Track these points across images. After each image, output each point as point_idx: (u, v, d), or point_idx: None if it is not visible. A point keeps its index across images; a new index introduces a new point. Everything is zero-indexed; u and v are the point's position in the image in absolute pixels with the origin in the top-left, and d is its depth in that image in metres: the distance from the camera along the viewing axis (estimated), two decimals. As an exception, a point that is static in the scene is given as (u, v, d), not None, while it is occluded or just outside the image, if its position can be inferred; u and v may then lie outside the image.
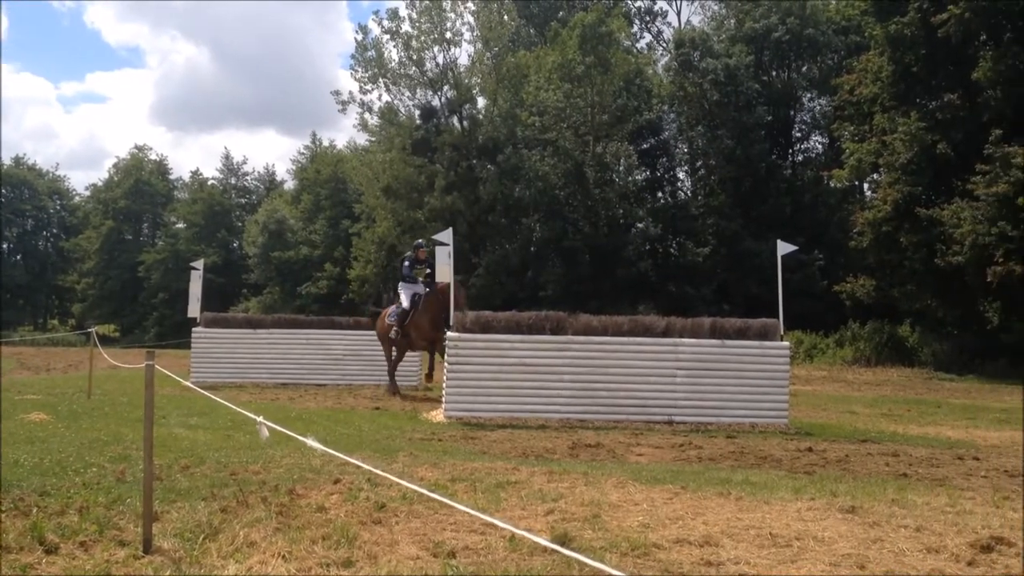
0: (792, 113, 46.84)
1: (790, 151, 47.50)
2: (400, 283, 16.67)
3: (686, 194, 49.53)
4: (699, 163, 48.35)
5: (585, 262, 42.92)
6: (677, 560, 4.73)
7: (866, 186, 41.47)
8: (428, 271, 16.18)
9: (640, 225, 44.98)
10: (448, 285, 14.07)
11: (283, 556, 4.70)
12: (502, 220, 45.42)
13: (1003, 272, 25.74)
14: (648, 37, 55.92)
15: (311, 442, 4.74)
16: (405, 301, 16.21)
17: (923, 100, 32.00)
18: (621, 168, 45.21)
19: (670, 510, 6.00)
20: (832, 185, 40.29)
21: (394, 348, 17.17)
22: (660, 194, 49.44)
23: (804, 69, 46.07)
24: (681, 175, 50.46)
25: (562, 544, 4.85)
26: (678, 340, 12.51)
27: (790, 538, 5.20)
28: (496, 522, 4.33)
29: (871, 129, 33.63)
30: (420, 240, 17.48)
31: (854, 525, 5.62)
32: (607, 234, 43.05)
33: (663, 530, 5.39)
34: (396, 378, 17.35)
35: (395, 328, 16.20)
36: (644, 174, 47.93)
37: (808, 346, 33.44)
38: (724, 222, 42.20)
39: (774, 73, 46.25)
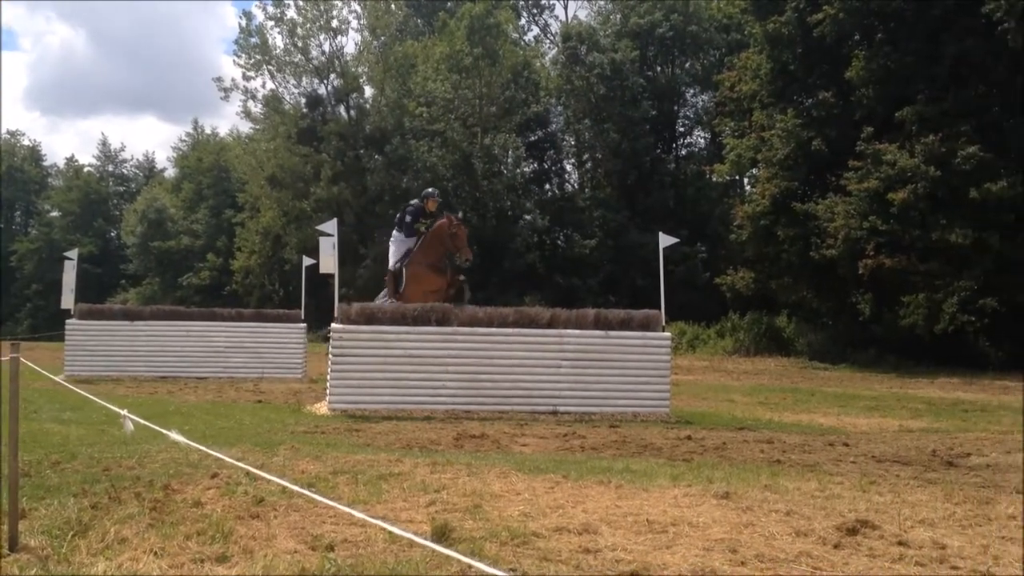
0: (676, 108, 47.79)
1: (674, 145, 48.44)
2: (394, 234, 14.15)
3: (573, 186, 50.09)
4: (586, 156, 48.95)
5: (473, 253, 42.89)
6: (556, 548, 4.77)
7: (746, 181, 42.60)
8: (430, 224, 13.94)
9: (528, 217, 45.28)
10: (448, 222, 13.25)
11: (155, 552, 4.58)
12: (390, 211, 45.04)
13: (874, 265, 26.79)
14: (536, 30, 56.35)
15: (174, 435, 4.62)
16: (394, 257, 13.98)
17: (799, 97, 33.00)
18: (509, 160, 45.43)
19: (551, 499, 6.05)
20: (714, 179, 41.29)
21: None
22: (548, 186, 49.87)
23: (687, 65, 47.01)
24: (568, 167, 51.05)
25: (442, 535, 4.86)
26: (563, 331, 12.62)
27: (666, 524, 5.29)
28: (363, 516, 4.30)
29: (750, 125, 34.55)
30: (431, 188, 14.97)
31: (728, 510, 5.75)
32: (495, 226, 43.21)
33: (543, 519, 5.43)
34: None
35: (385, 299, 13.89)
36: (532, 166, 48.30)
37: (691, 337, 34.21)
38: (610, 214, 42.80)
39: (659, 69, 47.10)
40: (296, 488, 4.60)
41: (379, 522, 4.40)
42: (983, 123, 27.38)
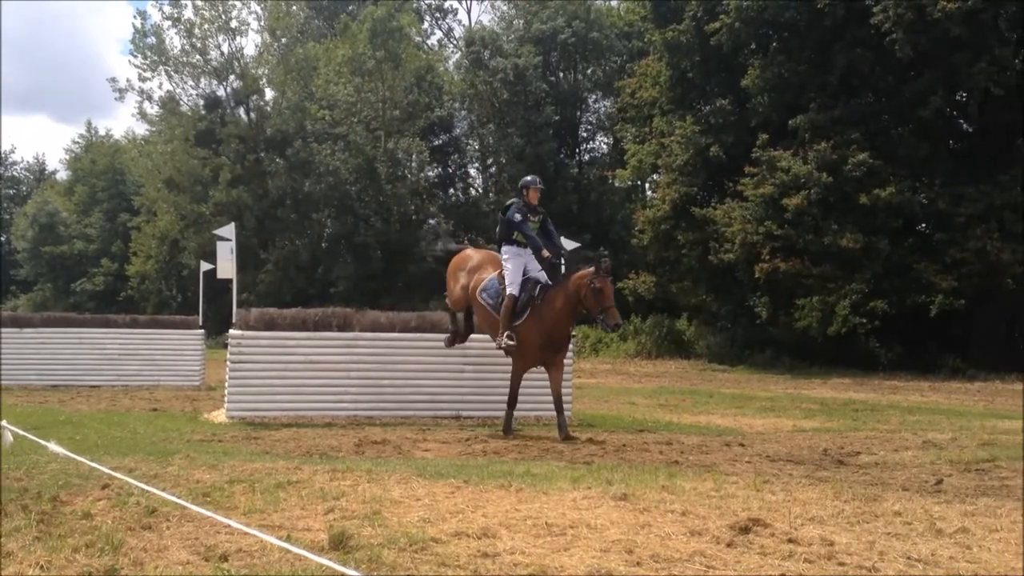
0: (578, 114, 48.23)
1: (577, 151, 48.86)
2: (504, 248, 10.95)
3: (477, 191, 50.17)
4: (490, 160, 49.10)
5: (377, 258, 42.75)
6: (455, 553, 4.76)
7: (647, 186, 43.23)
8: (540, 219, 11.19)
9: (432, 221, 45.18)
10: (592, 273, 10.39)
11: (41, 566, 4.43)
12: (292, 215, 44.59)
13: (769, 269, 27.48)
14: (439, 34, 56.31)
15: (53, 447, 4.48)
16: (512, 276, 10.72)
17: (698, 104, 33.69)
18: (413, 164, 45.31)
19: (451, 504, 6.05)
20: (616, 184, 41.75)
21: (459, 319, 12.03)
22: (452, 191, 49.91)
23: (589, 71, 47.49)
24: (473, 172, 51.12)
25: (339, 543, 4.81)
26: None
27: (565, 526, 5.33)
28: (239, 526, 4.23)
29: (651, 131, 35.07)
30: (530, 177, 11.73)
31: (625, 512, 5.82)
32: (399, 230, 43.04)
33: (443, 524, 5.42)
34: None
35: (507, 336, 10.60)
36: (436, 170, 48.24)
37: (594, 340, 34.56)
38: (514, 219, 42.89)
39: (561, 74, 47.48)
40: (173, 498, 4.49)
41: (255, 532, 4.33)
42: (872, 131, 28.31)
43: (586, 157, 49.09)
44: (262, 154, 45.72)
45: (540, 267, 10.75)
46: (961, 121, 31.13)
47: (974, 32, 25.61)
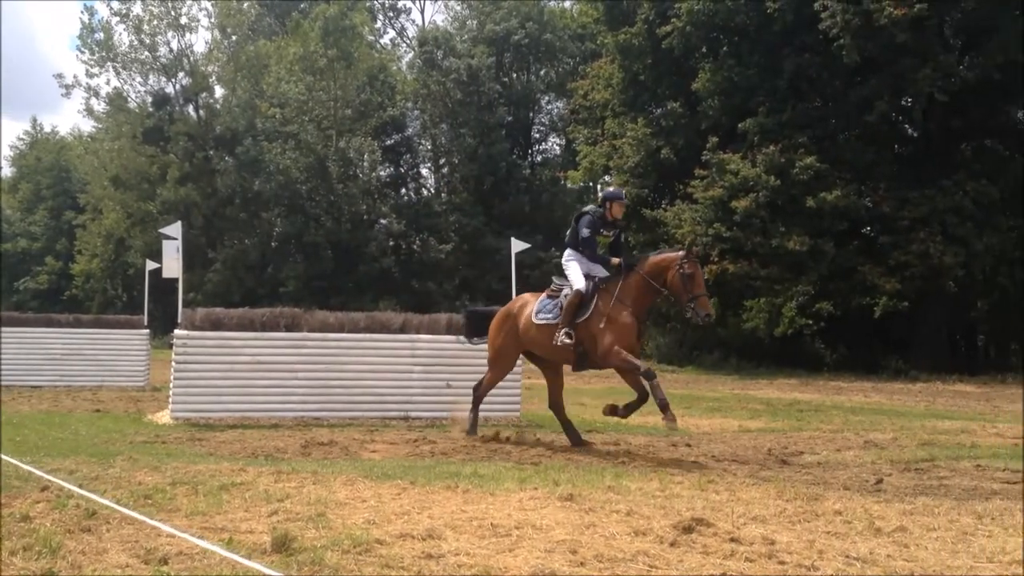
0: (531, 115, 48.37)
1: (530, 151, 49.00)
2: (567, 253, 10.11)
3: (429, 191, 50.10)
4: (442, 161, 49.04)
5: (327, 258, 42.49)
6: (399, 555, 4.75)
7: (599, 187, 43.41)
8: (614, 235, 10.36)
9: (384, 221, 45.05)
10: (683, 257, 9.33)
11: (-25, 571, 4.36)
12: (241, 214, 44.17)
13: (718, 270, 27.75)
14: (392, 33, 56.11)
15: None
16: (577, 276, 9.85)
17: (649, 107, 33.97)
18: (365, 164, 45.12)
19: (397, 505, 6.03)
20: (568, 185, 41.92)
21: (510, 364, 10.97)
22: (404, 190, 49.75)
23: (543, 73, 47.67)
24: (425, 172, 51.06)
25: (282, 545, 4.78)
26: (415, 336, 12.59)
27: (510, 527, 5.33)
28: (176, 532, 4.19)
29: (603, 133, 35.29)
30: (615, 189, 11.00)
31: (571, 512, 5.84)
32: (350, 230, 42.83)
33: (388, 525, 5.40)
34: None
35: (564, 332, 9.58)
36: (388, 170, 48.09)
37: (545, 341, 34.60)
38: (466, 219, 42.99)
39: (514, 75, 47.56)
40: (106, 502, 4.44)
41: (186, 535, 4.29)
42: (820, 135, 28.74)
43: (539, 158, 49.27)
44: (211, 152, 45.26)
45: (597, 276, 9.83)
46: (906, 126, 31.71)
47: (920, 39, 26.08)
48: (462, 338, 11.64)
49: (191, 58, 47.60)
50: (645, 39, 32.16)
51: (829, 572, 4.65)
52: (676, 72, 32.42)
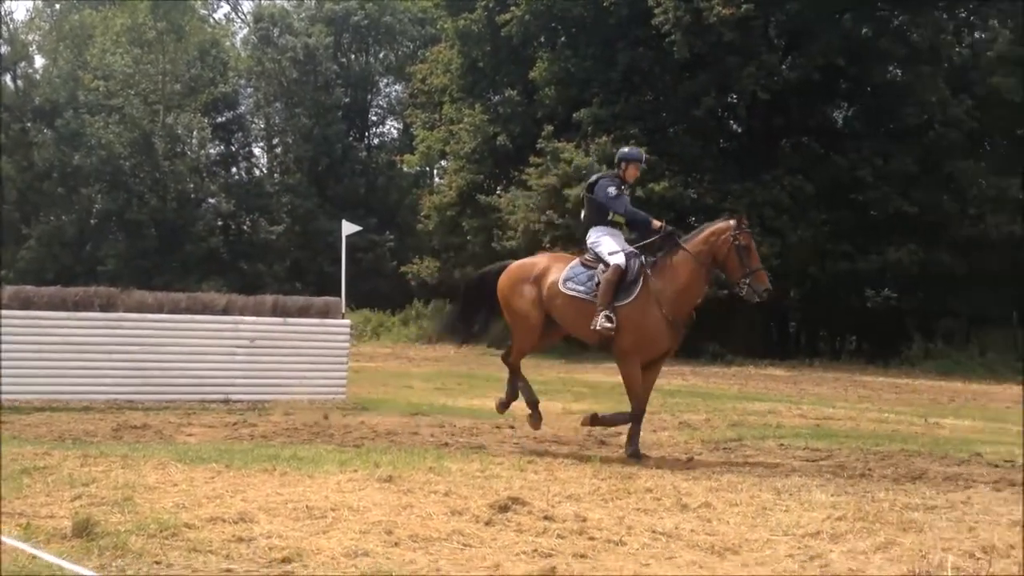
0: (369, 97, 47.87)
1: (367, 134, 48.52)
2: (594, 230, 8.88)
3: (262, 171, 48.97)
4: (276, 140, 48.06)
5: (151, 236, 40.97)
6: (207, 538, 4.65)
7: (435, 172, 43.45)
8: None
9: (212, 200, 43.79)
10: (734, 226, 8.35)
11: None
12: (59, 189, 42.03)
13: (551, 258, 28.14)
14: (226, 8, 54.36)
15: None
16: (614, 249, 8.54)
17: (487, 94, 34.06)
18: (193, 141, 43.74)
19: (209, 489, 5.90)
20: (404, 169, 41.74)
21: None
22: (235, 170, 48.43)
23: (382, 55, 47.27)
24: (257, 151, 49.77)
25: (84, 530, 4.60)
26: (239, 318, 12.30)
27: (326, 509, 5.31)
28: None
29: (441, 118, 35.26)
30: (631, 150, 9.48)
31: (389, 493, 5.86)
32: (176, 208, 41.42)
33: (198, 509, 5.29)
34: None
35: (604, 316, 8.12)
36: (218, 148, 46.75)
37: (376, 324, 34.46)
38: (299, 200, 42.21)
39: (353, 56, 46.95)
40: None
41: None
42: (650, 127, 29.49)
43: (375, 141, 48.83)
44: (28, 124, 42.91)
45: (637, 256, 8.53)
46: (731, 122, 32.98)
47: (746, 38, 27.14)
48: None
49: (10, 26, 45.04)
50: (485, 26, 32.22)
51: (635, 546, 4.82)
52: (514, 60, 32.62)
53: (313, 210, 41.28)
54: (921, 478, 7.28)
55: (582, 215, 9.25)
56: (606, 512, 5.60)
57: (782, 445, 9.14)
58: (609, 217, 8.71)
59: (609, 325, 8.07)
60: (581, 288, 8.46)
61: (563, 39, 31.25)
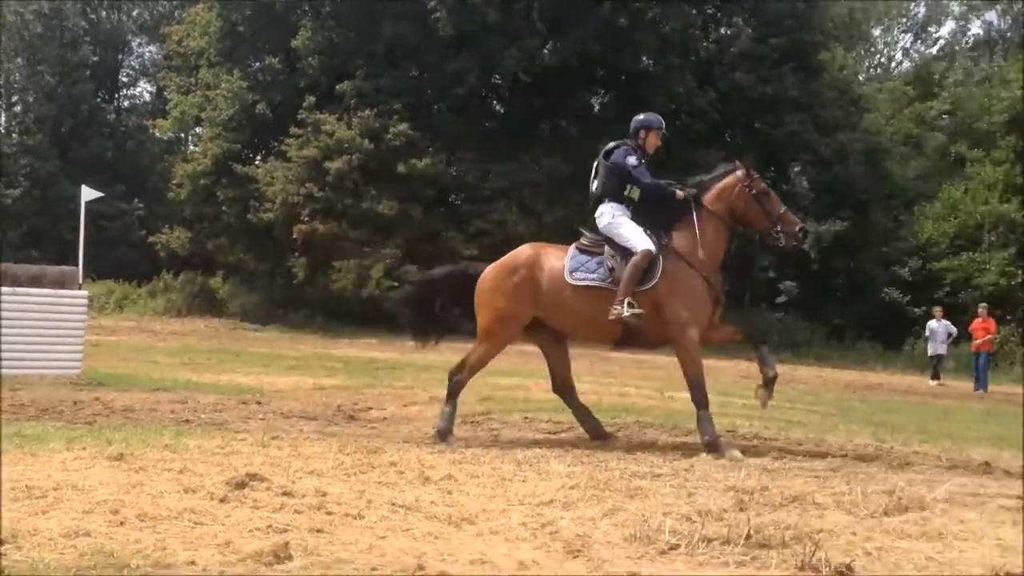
0: (120, 57, 45.54)
1: (116, 95, 46.19)
2: (607, 207, 7.93)
3: (-1, 131, 45.52)
4: (15, 99, 44.80)
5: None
6: (-94, 524, 4.30)
7: (190, 139, 41.76)
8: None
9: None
10: (742, 176, 7.88)
11: None
12: None
13: (308, 230, 27.86)
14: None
15: None
16: (641, 239, 7.60)
17: (248, 60, 33.02)
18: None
19: (-87, 472, 5.44)
20: (157, 135, 39.98)
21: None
22: (-34, 128, 44.75)
23: (135, 13, 45.13)
24: (-6, 109, 46.16)
25: None
26: (-41, 287, 11.41)
27: (47, 489, 5.03)
28: None
29: (197, 83, 33.88)
30: (648, 116, 8.42)
31: (118, 472, 5.61)
32: None
33: (-100, 493, 4.87)
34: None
35: (627, 303, 7.35)
36: (-54, 104, 43.04)
37: (120, 296, 32.92)
38: (39, 163, 39.54)
39: (104, 13, 44.47)
40: None
41: None
42: (414, 103, 29.64)
43: (126, 103, 46.60)
44: None
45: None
46: (494, 102, 33.58)
47: (508, 20, 27.67)
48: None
49: None
50: (248, -11, 31.30)
51: (374, 519, 4.85)
52: (277, 27, 31.73)
53: (54, 173, 38.77)
54: (651, 447, 7.70)
55: (592, 185, 8.20)
56: (347, 487, 5.58)
57: (527, 419, 9.44)
58: (626, 192, 7.90)
59: (636, 311, 7.37)
60: (593, 276, 7.68)
61: (327, 8, 30.73)
